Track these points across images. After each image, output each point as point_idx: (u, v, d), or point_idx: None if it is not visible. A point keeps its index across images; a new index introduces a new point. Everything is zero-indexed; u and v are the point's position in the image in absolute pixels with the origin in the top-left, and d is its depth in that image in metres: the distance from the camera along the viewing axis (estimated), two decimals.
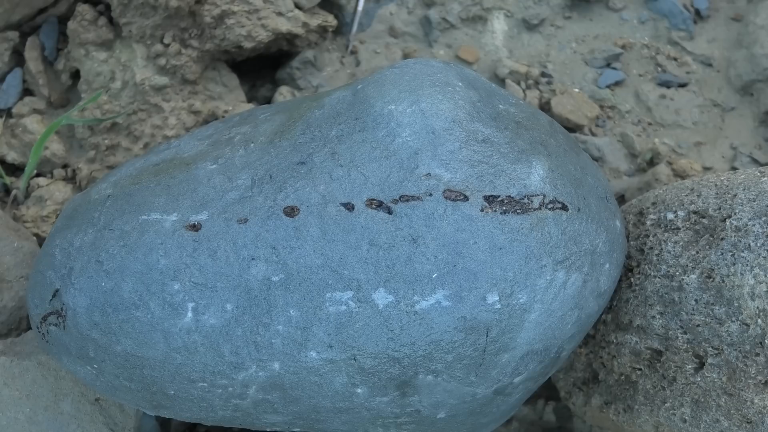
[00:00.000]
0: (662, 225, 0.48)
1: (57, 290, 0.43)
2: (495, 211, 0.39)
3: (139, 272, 0.41)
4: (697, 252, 0.45)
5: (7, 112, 0.69)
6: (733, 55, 0.71)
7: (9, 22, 0.69)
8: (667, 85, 0.70)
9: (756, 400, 0.41)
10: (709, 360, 0.43)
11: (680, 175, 0.64)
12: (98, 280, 0.41)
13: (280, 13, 0.65)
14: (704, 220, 0.46)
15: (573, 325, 0.43)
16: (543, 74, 0.70)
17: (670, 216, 0.48)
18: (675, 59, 0.72)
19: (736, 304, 0.42)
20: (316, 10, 0.68)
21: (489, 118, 0.42)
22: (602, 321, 0.52)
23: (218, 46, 0.64)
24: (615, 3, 0.74)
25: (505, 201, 0.39)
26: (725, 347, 0.42)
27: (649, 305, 0.47)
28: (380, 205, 0.39)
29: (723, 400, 0.42)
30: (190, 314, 0.40)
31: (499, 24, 0.73)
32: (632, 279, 0.49)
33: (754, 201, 0.43)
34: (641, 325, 0.48)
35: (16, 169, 0.68)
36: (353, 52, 0.71)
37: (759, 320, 0.41)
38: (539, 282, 0.39)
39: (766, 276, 0.41)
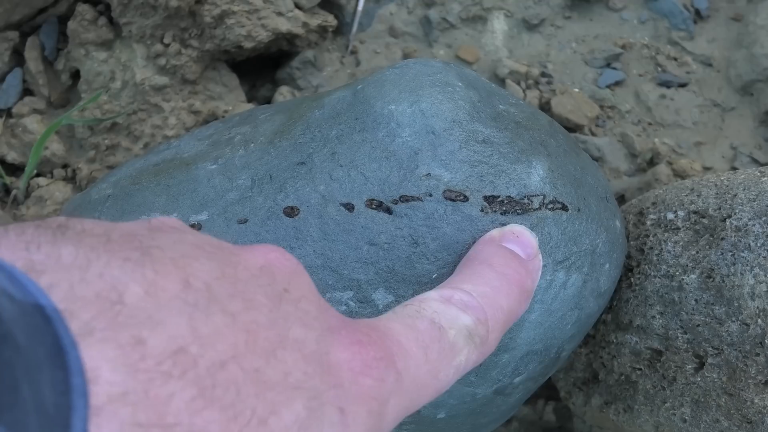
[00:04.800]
0: (662, 225, 0.48)
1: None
2: (495, 211, 0.39)
3: None
4: (697, 252, 0.45)
5: (7, 112, 0.69)
6: (733, 55, 0.71)
7: (9, 22, 0.69)
8: (667, 85, 0.70)
9: (756, 400, 0.41)
10: (709, 360, 0.43)
11: (680, 175, 0.64)
12: None
13: (280, 13, 0.65)
14: (704, 220, 0.46)
15: (573, 325, 0.43)
16: (543, 74, 0.70)
17: (670, 216, 0.48)
18: (675, 59, 0.72)
19: (736, 304, 0.42)
20: (316, 10, 0.68)
21: (489, 119, 0.42)
22: (602, 321, 0.52)
23: (218, 46, 0.64)
24: (615, 3, 0.74)
25: (505, 201, 0.39)
26: (725, 347, 0.42)
27: (649, 305, 0.47)
28: (380, 205, 0.39)
29: (723, 400, 0.42)
30: None
31: (499, 24, 0.73)
32: (632, 279, 0.49)
33: (754, 201, 0.43)
34: (641, 325, 0.48)
35: (16, 169, 0.68)
36: (353, 52, 0.71)
37: (759, 320, 0.41)
38: (539, 282, 0.39)
39: (766, 276, 0.41)
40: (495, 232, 0.34)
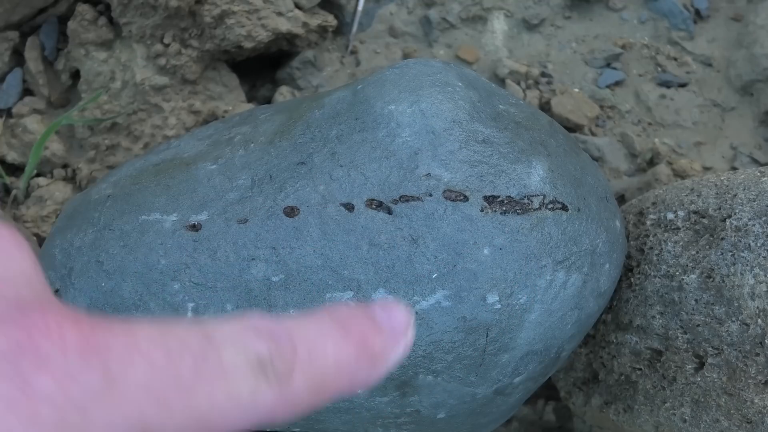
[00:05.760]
0: (662, 225, 0.48)
1: (57, 290, 0.43)
2: (495, 211, 0.39)
3: (139, 272, 0.41)
4: (697, 252, 0.45)
5: (7, 112, 0.69)
6: (733, 55, 0.71)
7: (9, 22, 0.69)
8: (667, 85, 0.70)
9: (756, 400, 0.41)
10: (709, 360, 0.43)
11: (680, 175, 0.64)
12: (98, 281, 0.41)
13: (280, 13, 0.65)
14: (704, 220, 0.46)
15: (573, 325, 0.43)
16: (543, 74, 0.70)
17: (670, 216, 0.48)
18: (675, 59, 0.72)
19: (736, 304, 0.42)
20: (316, 10, 0.68)
21: (489, 118, 0.42)
22: (602, 321, 0.52)
23: (218, 46, 0.64)
24: (615, 3, 0.74)
25: (505, 201, 0.39)
26: (725, 347, 0.42)
27: (649, 305, 0.47)
28: (380, 205, 0.39)
29: (723, 400, 0.42)
30: (190, 314, 0.40)
31: (499, 24, 0.73)
32: (632, 279, 0.49)
33: (754, 201, 0.43)
34: (641, 325, 0.48)
35: (16, 169, 0.68)
36: (353, 52, 0.71)
37: (759, 320, 0.41)
38: (539, 282, 0.39)
39: (766, 276, 0.41)
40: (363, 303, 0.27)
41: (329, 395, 0.22)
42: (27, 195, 0.65)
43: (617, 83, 0.71)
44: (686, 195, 0.48)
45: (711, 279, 0.43)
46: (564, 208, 0.41)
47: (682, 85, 0.71)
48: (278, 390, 0.19)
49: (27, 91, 0.70)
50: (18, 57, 0.70)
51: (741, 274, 0.42)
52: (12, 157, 0.67)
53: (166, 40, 0.64)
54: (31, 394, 0.15)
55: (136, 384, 0.17)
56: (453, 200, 0.39)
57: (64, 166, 0.68)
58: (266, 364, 0.19)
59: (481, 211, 0.39)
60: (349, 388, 0.22)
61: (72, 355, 0.16)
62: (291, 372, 0.20)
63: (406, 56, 0.71)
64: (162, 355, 0.17)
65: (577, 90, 0.69)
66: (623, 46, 0.72)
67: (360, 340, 0.23)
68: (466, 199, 0.39)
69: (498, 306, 0.39)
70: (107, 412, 0.16)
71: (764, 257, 0.41)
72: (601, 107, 0.69)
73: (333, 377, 0.22)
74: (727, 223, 0.43)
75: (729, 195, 0.45)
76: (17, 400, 0.15)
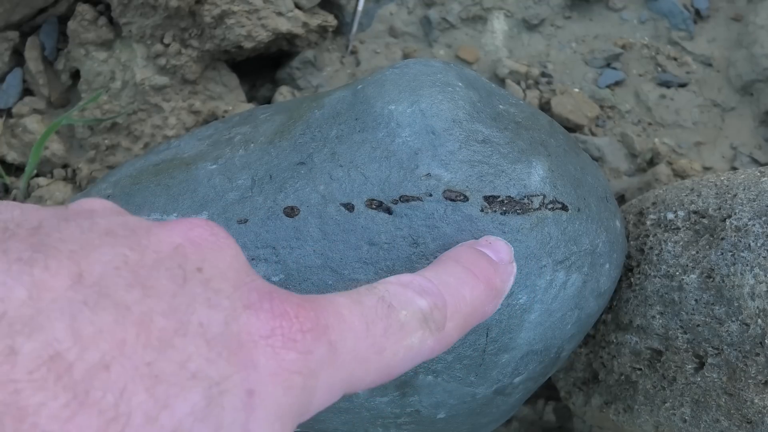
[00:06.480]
0: (662, 225, 0.48)
1: None
2: (495, 211, 0.39)
3: None
4: (697, 252, 0.45)
5: (7, 112, 0.69)
6: (733, 55, 0.71)
7: (9, 22, 0.69)
8: (667, 85, 0.70)
9: (756, 400, 0.41)
10: (709, 360, 0.43)
11: (680, 175, 0.64)
12: None
13: (280, 13, 0.65)
14: (704, 220, 0.46)
15: (573, 325, 0.43)
16: (543, 74, 0.70)
17: (670, 216, 0.48)
18: (675, 59, 0.72)
19: (736, 304, 0.42)
20: (316, 10, 0.68)
21: (489, 118, 0.42)
22: (602, 321, 0.52)
23: (218, 46, 0.64)
24: (615, 3, 0.74)
25: (505, 201, 0.39)
26: (725, 347, 0.42)
27: (649, 305, 0.47)
28: (380, 205, 0.39)
29: (723, 400, 0.42)
30: None
31: (499, 24, 0.73)
32: (632, 279, 0.49)
33: (754, 201, 0.43)
34: (641, 325, 0.48)
35: (16, 169, 0.68)
36: (353, 52, 0.71)
37: (759, 320, 0.41)
38: (539, 282, 0.39)
39: (766, 276, 0.41)
40: (470, 241, 0.34)
41: (468, 329, 0.27)
42: (27, 195, 0.65)
43: (617, 83, 0.71)
44: (686, 195, 0.48)
45: (711, 279, 0.43)
46: (564, 208, 0.41)
47: (682, 85, 0.71)
48: (437, 336, 0.24)
49: (27, 91, 0.70)
50: (18, 57, 0.70)
51: (741, 274, 0.42)
52: (12, 157, 0.67)
53: (166, 40, 0.64)
54: (286, 368, 0.19)
55: (347, 351, 0.21)
56: (453, 200, 0.39)
57: (64, 166, 0.68)
58: (428, 317, 0.24)
59: (481, 211, 0.39)
60: (481, 320, 0.28)
61: (308, 334, 0.20)
62: (445, 320, 0.25)
63: (406, 56, 0.71)
64: (361, 323, 0.22)
65: (577, 90, 0.69)
66: (623, 46, 0.72)
67: (486, 280, 0.29)
68: (466, 199, 0.39)
69: (498, 306, 0.39)
70: (330, 375, 0.20)
71: (764, 257, 0.41)
72: (601, 107, 0.69)
73: (471, 315, 0.27)
74: (727, 223, 0.44)
75: (729, 195, 0.45)
76: (279, 375, 0.19)
